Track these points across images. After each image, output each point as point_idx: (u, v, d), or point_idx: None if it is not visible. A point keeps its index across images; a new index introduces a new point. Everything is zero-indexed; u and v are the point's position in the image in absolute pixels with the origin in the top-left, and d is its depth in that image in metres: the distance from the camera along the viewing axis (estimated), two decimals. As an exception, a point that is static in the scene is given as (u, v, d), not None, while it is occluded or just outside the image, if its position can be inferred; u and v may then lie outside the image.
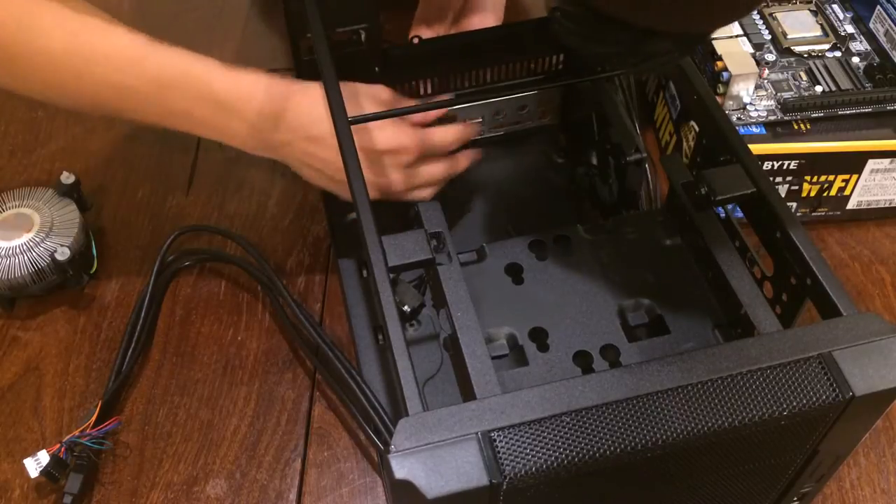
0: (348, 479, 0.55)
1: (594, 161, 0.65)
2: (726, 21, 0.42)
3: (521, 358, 0.49)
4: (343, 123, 0.48)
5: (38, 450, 0.54)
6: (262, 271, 0.63)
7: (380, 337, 0.57)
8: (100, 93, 0.54)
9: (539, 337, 0.49)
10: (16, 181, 0.73)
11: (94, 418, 0.55)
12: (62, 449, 0.54)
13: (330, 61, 0.51)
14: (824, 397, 0.38)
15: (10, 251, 0.62)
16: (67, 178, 0.66)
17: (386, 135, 0.56)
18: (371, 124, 0.56)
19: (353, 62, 0.60)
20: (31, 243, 0.62)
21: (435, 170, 0.60)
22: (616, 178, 0.61)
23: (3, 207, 0.65)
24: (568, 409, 0.37)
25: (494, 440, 0.36)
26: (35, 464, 0.53)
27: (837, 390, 0.38)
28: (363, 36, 0.59)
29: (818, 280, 0.43)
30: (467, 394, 0.43)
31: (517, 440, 0.36)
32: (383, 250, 0.43)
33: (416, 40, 0.64)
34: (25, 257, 0.61)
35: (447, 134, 0.60)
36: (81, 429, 0.55)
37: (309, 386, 0.60)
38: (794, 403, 0.38)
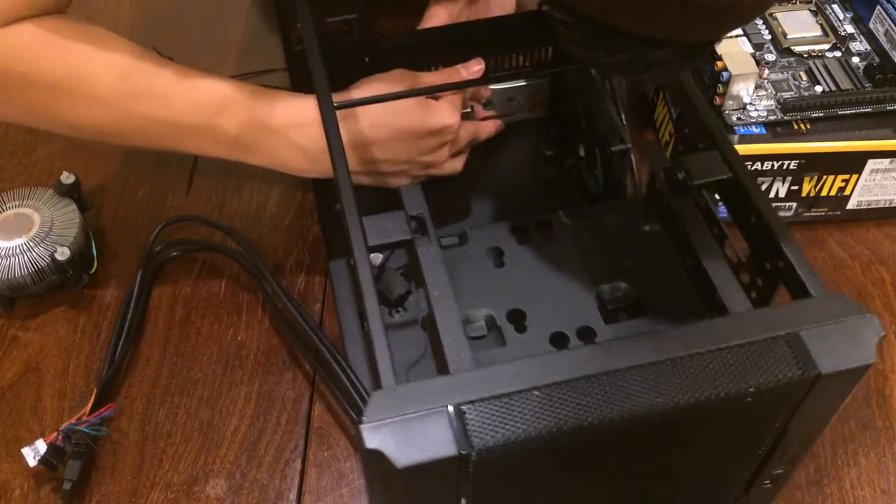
0: (348, 479, 0.55)
1: (582, 153, 0.65)
2: (727, 30, 0.42)
3: (499, 339, 0.49)
4: (329, 110, 0.48)
5: (38, 448, 0.54)
6: (253, 263, 0.64)
7: (365, 324, 0.58)
8: (152, 129, 0.56)
9: (517, 318, 0.50)
10: (16, 181, 0.73)
11: (89, 405, 0.56)
12: (59, 437, 0.54)
13: (317, 50, 0.51)
14: (790, 374, 0.38)
15: (10, 251, 0.62)
16: (67, 178, 0.66)
17: (434, 118, 0.59)
18: (413, 107, 0.58)
19: (344, 52, 0.60)
20: (31, 243, 0.62)
21: (465, 133, 0.63)
22: (602, 168, 0.61)
23: (3, 207, 0.65)
24: (539, 383, 0.37)
25: (465, 413, 0.36)
26: (33, 452, 0.53)
27: (803, 368, 0.39)
28: (354, 26, 0.59)
29: (789, 262, 0.43)
30: (443, 370, 0.43)
31: (487, 413, 0.37)
32: (363, 229, 0.44)
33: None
34: (25, 257, 0.61)
35: (458, 101, 0.62)
36: (77, 416, 0.55)
37: (309, 386, 0.59)
38: (761, 380, 0.38)
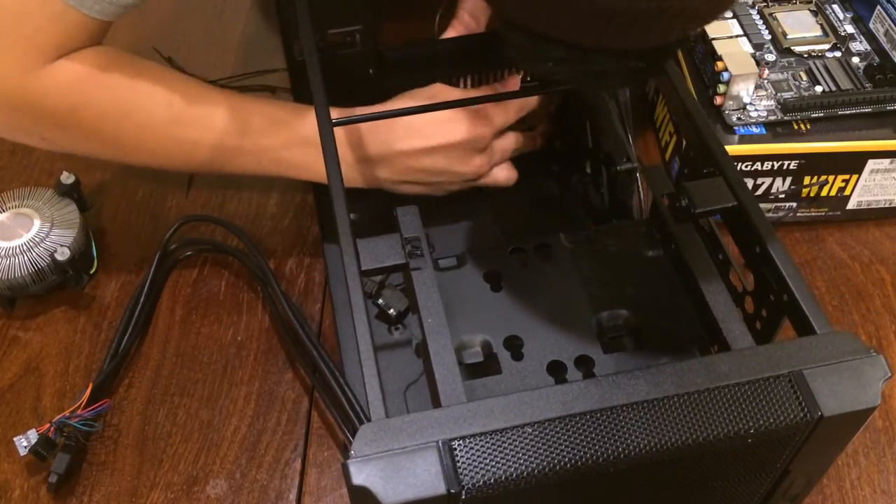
0: (348, 479, 0.55)
1: (588, 169, 0.65)
2: (670, 37, 0.40)
3: (494, 366, 0.48)
4: (326, 125, 0.48)
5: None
6: (260, 267, 0.64)
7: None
8: (200, 153, 0.58)
9: (514, 345, 0.49)
10: (16, 181, 0.73)
11: (84, 399, 0.56)
12: (51, 429, 0.54)
13: (317, 63, 0.51)
14: (792, 416, 0.37)
15: (10, 251, 0.62)
16: (67, 177, 0.66)
17: (463, 127, 0.59)
18: (445, 119, 0.58)
19: (349, 64, 0.60)
20: (31, 243, 0.62)
21: (507, 143, 0.63)
22: (607, 186, 0.60)
23: (3, 207, 0.65)
24: (531, 419, 0.36)
25: (454, 449, 0.36)
26: (25, 441, 0.54)
27: (806, 410, 0.37)
28: (358, 38, 0.59)
29: (794, 297, 0.42)
30: (435, 401, 0.42)
31: (478, 450, 0.36)
32: (357, 253, 0.43)
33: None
34: (25, 257, 0.61)
35: (508, 111, 0.62)
36: (71, 409, 0.55)
37: (309, 386, 0.59)
38: (762, 422, 0.37)
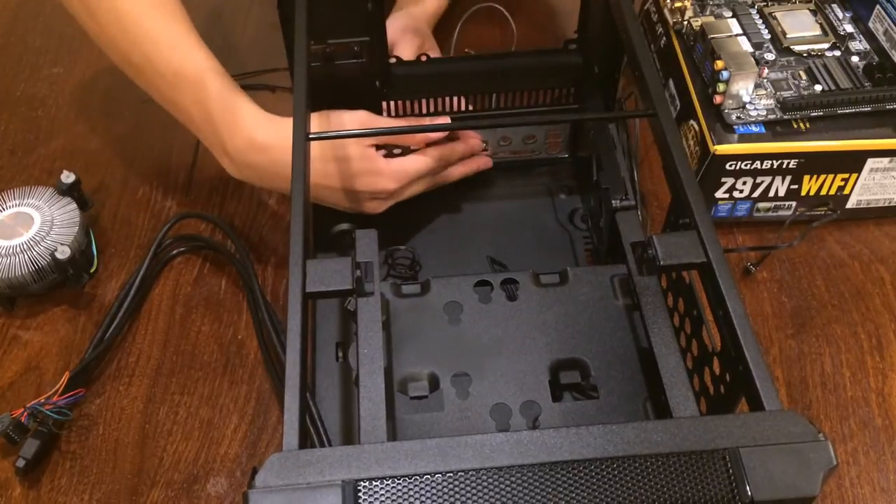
0: (348, 478, 0.55)
1: (592, 203, 0.64)
2: None
3: (438, 403, 0.47)
4: (300, 139, 0.47)
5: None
6: (249, 283, 0.64)
7: (339, 354, 0.56)
8: (131, 56, 0.59)
9: (461, 383, 0.48)
10: (16, 180, 0.73)
11: (60, 386, 0.56)
12: (24, 414, 0.54)
13: (305, 73, 0.50)
14: (719, 497, 0.35)
15: (11, 250, 0.62)
16: (67, 177, 0.66)
17: (368, 181, 0.60)
18: (355, 168, 0.59)
19: (354, 74, 0.59)
20: (31, 242, 0.62)
21: (414, 188, 0.63)
22: (605, 224, 0.59)
23: (3, 206, 0.65)
24: (444, 468, 0.35)
25: (359, 491, 0.34)
26: None
27: (735, 491, 0.35)
28: (364, 50, 0.59)
29: (748, 368, 0.40)
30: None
31: (383, 494, 0.34)
32: (304, 274, 0.42)
33: (423, 58, 0.64)
34: (26, 256, 0.61)
35: (422, 163, 0.62)
36: (47, 395, 0.56)
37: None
38: (685, 498, 0.35)
